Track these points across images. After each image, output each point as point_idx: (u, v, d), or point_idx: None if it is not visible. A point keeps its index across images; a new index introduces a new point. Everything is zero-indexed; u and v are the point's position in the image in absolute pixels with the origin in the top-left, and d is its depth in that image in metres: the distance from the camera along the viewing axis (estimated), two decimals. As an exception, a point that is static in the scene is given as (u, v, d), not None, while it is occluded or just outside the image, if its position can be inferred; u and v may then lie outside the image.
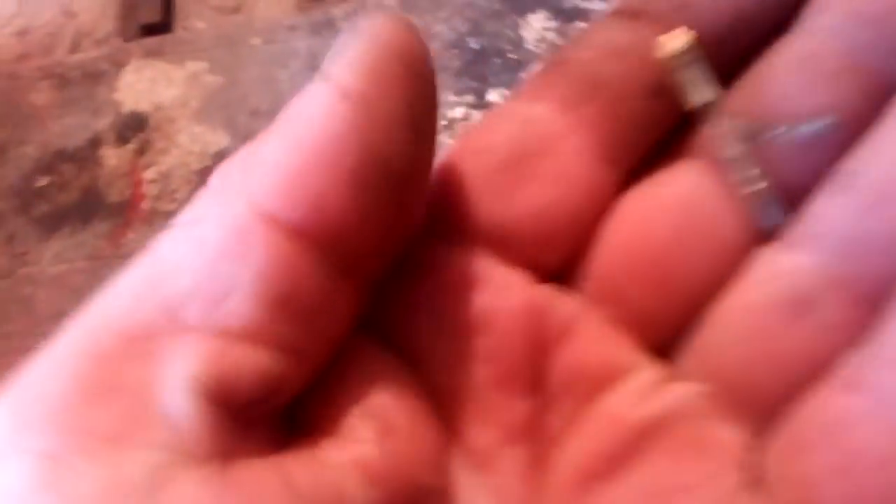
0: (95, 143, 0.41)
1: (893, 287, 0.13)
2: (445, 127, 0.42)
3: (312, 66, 0.43)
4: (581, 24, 0.43)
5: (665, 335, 0.15)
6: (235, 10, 0.46)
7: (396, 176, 0.12)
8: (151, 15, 0.45)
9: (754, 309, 0.14)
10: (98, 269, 0.38)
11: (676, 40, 0.14)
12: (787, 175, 0.14)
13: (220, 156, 0.41)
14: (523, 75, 0.43)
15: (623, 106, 0.14)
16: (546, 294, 0.14)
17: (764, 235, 0.14)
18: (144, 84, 0.43)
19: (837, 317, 0.13)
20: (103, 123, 0.42)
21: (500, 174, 0.14)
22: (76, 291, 0.38)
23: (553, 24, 0.43)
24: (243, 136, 0.41)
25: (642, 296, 0.14)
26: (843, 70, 0.14)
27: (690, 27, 0.14)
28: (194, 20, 0.46)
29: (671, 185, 0.15)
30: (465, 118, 0.42)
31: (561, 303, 0.15)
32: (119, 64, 0.43)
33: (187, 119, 0.42)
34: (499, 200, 0.14)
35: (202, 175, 0.40)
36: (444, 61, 0.43)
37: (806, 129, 0.14)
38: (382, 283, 0.14)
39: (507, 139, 0.14)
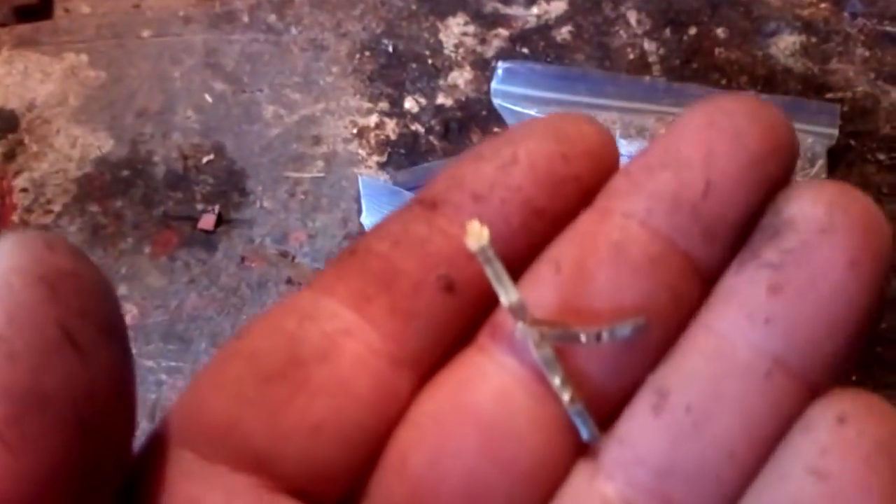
0: (-45, 144, 0.37)
1: None
2: (355, 135, 0.39)
3: (209, 62, 0.39)
4: (501, 30, 0.41)
5: None
6: (124, -8, 0.42)
7: (62, 402, 0.11)
8: (27, -5, 0.41)
9: None
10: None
11: (476, 234, 0.13)
12: (599, 382, 0.13)
13: (102, 162, 0.37)
14: (441, 83, 0.40)
15: (418, 301, 0.13)
16: None
17: (582, 446, 0.13)
18: (15, 78, 0.38)
19: None
20: (-35, 122, 0.37)
21: (269, 384, 0.12)
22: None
23: (472, 28, 0.41)
24: (129, 139, 0.37)
25: None
26: (656, 260, 0.13)
27: (487, 220, 0.13)
28: (77, 2, 0.41)
29: (475, 385, 0.13)
30: (379, 126, 0.39)
31: None
32: (-15, 53, 0.39)
33: (65, 119, 0.37)
34: (265, 416, 0.12)
35: (81, 184, 0.36)
36: (357, 64, 0.40)
37: (613, 333, 0.13)
38: None
39: (283, 341, 0.13)
